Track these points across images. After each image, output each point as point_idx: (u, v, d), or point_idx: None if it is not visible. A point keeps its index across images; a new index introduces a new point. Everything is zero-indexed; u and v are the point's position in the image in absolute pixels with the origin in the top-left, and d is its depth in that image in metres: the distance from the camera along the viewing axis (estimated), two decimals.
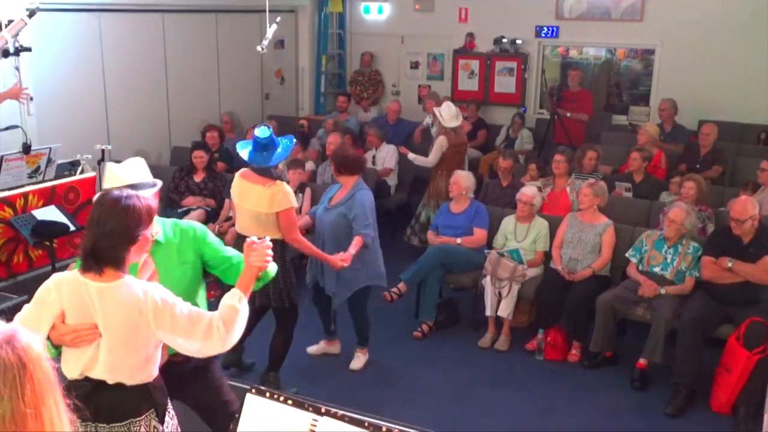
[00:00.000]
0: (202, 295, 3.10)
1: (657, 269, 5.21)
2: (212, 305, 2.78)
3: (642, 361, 5.03)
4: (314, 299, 5.20)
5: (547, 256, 5.76)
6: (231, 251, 3.06)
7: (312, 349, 5.43)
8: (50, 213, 5.50)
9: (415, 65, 10.64)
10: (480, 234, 5.90)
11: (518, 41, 9.71)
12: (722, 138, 7.54)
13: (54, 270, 5.07)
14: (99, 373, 2.50)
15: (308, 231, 5.55)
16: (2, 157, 5.54)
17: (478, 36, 10.00)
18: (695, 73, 8.73)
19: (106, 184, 2.96)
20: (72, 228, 5.47)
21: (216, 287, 4.23)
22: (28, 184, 5.67)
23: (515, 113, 9.33)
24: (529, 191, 5.86)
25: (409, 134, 8.82)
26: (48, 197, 5.68)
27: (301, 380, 4.98)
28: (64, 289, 2.47)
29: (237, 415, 2.09)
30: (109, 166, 3.05)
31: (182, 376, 2.98)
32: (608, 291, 5.31)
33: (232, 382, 3.20)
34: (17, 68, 5.75)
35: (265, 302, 4.52)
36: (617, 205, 6.12)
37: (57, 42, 7.10)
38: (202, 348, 2.53)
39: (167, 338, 2.50)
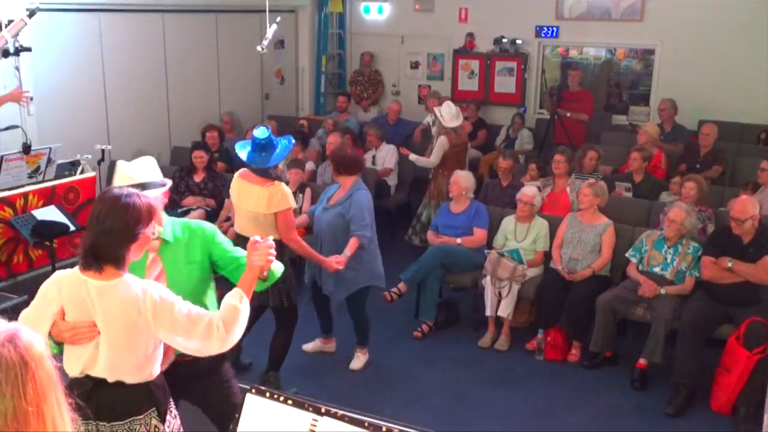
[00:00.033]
0: (211, 295, 3.07)
1: (657, 269, 5.21)
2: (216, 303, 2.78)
3: (642, 361, 5.03)
4: (312, 298, 5.19)
5: (547, 256, 5.76)
6: (240, 252, 3.02)
7: (308, 347, 5.42)
8: (50, 213, 5.50)
9: (415, 65, 10.63)
10: (480, 234, 5.90)
11: (518, 41, 9.70)
12: (722, 138, 7.54)
13: (54, 270, 5.05)
14: (99, 371, 2.51)
15: (307, 230, 5.55)
16: (2, 157, 5.54)
17: (478, 36, 10.00)
18: (695, 73, 8.72)
19: (117, 182, 2.93)
20: (72, 228, 5.47)
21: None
22: (28, 184, 5.68)
23: (515, 113, 9.32)
24: (529, 191, 5.86)
25: (409, 134, 8.84)
26: (48, 197, 5.68)
27: (301, 380, 4.98)
28: (65, 287, 2.48)
29: (237, 415, 2.10)
30: (120, 165, 3.02)
31: (191, 377, 2.95)
32: (608, 291, 5.31)
33: None
34: (17, 68, 5.76)
35: (263, 302, 4.50)
36: (617, 205, 6.11)
37: (57, 42, 7.10)
38: (202, 347, 2.52)
39: (166, 337, 2.50)
